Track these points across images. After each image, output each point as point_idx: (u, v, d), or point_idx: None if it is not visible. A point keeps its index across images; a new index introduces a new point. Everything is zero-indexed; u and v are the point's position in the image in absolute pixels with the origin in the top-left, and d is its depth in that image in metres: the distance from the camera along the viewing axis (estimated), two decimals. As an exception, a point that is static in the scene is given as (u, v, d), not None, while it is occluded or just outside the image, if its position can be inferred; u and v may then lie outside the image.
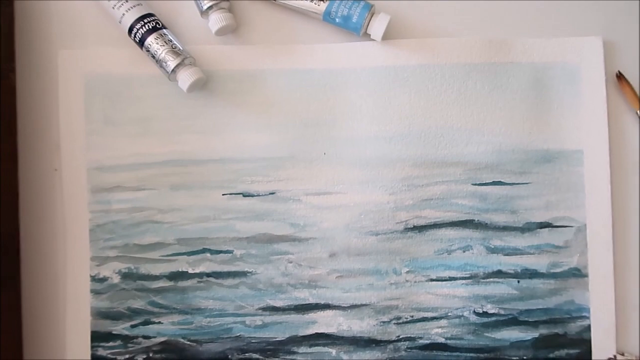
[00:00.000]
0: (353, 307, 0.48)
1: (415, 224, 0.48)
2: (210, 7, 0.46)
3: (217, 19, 0.46)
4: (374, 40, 0.47)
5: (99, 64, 0.48)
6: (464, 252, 0.48)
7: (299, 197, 0.48)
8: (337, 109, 0.48)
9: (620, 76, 0.49)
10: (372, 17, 0.46)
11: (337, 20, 0.47)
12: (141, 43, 0.46)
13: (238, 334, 0.47)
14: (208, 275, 0.48)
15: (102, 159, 0.48)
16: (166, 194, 0.48)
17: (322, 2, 0.46)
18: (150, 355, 0.47)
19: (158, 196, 0.48)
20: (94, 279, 0.48)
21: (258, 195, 0.48)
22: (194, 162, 0.48)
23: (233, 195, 0.48)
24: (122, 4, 0.46)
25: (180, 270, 0.48)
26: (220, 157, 0.48)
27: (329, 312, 0.47)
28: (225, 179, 0.48)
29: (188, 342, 0.47)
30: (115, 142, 0.48)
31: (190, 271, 0.48)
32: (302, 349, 0.48)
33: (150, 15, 0.46)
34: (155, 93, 0.48)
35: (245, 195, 0.48)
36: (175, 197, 0.48)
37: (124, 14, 0.46)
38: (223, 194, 0.48)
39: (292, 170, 0.48)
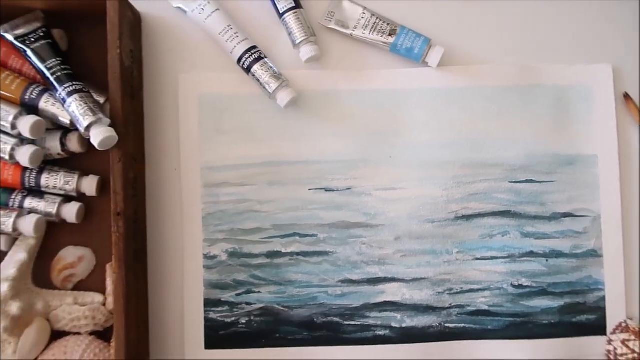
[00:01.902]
0: (414, 280, 0.59)
1: (463, 214, 0.59)
2: (302, 41, 0.58)
3: (307, 51, 0.58)
4: (430, 67, 0.59)
5: (210, 85, 0.60)
6: (502, 236, 0.59)
7: (370, 191, 0.59)
8: (399, 121, 0.60)
9: (626, 96, 0.61)
10: (429, 49, 0.58)
11: (401, 51, 0.59)
12: (248, 69, 0.58)
13: (322, 302, 0.59)
14: (297, 254, 0.59)
15: (213, 161, 0.59)
16: (264, 189, 0.59)
17: (390, 37, 0.58)
18: (252, 318, 0.59)
19: (257, 190, 0.59)
20: (206, 256, 0.59)
21: (337, 190, 0.59)
22: (286, 163, 0.60)
23: (317, 190, 0.59)
24: (234, 39, 0.58)
25: (275, 250, 0.59)
26: (307, 159, 0.60)
27: (394, 284, 0.59)
28: (310, 177, 0.59)
29: (282, 308, 0.59)
30: (223, 147, 0.60)
31: (283, 251, 0.59)
32: (374, 314, 0.59)
33: (254, 47, 0.58)
34: (255, 108, 0.60)
35: (327, 190, 0.60)
36: (271, 191, 0.59)
37: (235, 47, 0.58)
38: (309, 189, 0.59)
39: (364, 170, 0.60)
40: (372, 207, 0.60)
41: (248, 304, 0.59)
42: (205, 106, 0.60)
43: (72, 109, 0.51)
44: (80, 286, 0.58)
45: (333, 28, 0.60)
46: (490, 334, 0.59)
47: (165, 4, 0.60)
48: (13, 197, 0.56)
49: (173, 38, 0.61)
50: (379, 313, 0.59)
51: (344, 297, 0.59)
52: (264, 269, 0.60)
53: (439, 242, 0.60)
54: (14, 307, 0.51)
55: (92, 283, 0.58)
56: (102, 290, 0.58)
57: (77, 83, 0.52)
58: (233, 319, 0.59)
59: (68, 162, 0.58)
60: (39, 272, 0.58)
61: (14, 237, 0.56)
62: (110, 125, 0.52)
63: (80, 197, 0.57)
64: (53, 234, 0.58)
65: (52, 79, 0.52)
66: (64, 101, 0.52)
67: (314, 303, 0.59)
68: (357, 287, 0.59)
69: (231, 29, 0.58)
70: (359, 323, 0.59)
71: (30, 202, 0.56)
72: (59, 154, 0.57)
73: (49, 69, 0.52)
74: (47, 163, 0.56)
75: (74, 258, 0.57)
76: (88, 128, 0.51)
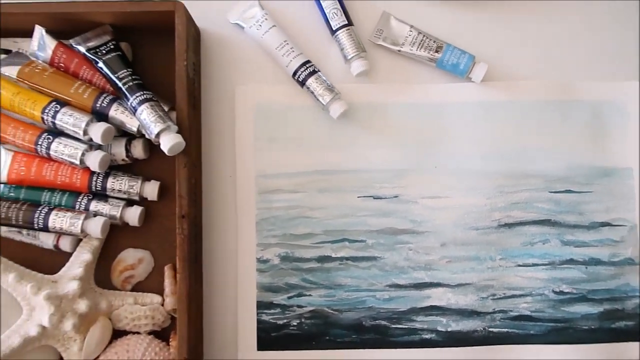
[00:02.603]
0: (459, 285, 0.61)
1: (506, 222, 0.62)
2: (353, 56, 0.61)
3: (358, 65, 0.61)
4: (473, 82, 0.62)
5: (265, 96, 0.63)
6: (543, 244, 0.62)
7: (417, 199, 0.62)
8: (443, 133, 0.63)
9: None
10: (474, 65, 0.61)
11: (447, 66, 0.62)
12: (303, 82, 0.61)
13: (370, 305, 0.61)
14: (347, 259, 0.61)
15: (267, 169, 0.62)
16: (315, 196, 0.62)
17: (437, 53, 0.61)
18: (302, 320, 0.61)
19: (308, 197, 0.62)
20: (259, 260, 0.61)
21: (385, 198, 0.62)
22: (336, 171, 0.62)
23: (366, 197, 0.62)
24: (290, 53, 0.61)
25: (325, 254, 0.61)
26: (356, 168, 0.62)
27: (440, 289, 0.61)
28: (359, 185, 0.62)
29: (331, 311, 0.61)
30: (277, 156, 0.62)
31: (333, 255, 0.61)
32: (420, 318, 0.61)
33: (309, 61, 0.61)
34: (307, 119, 0.63)
35: (375, 197, 0.62)
36: (322, 198, 0.62)
37: (290, 61, 0.61)
38: (358, 196, 0.62)
39: (410, 179, 0.62)
40: (419, 215, 0.62)
41: (299, 306, 0.61)
42: (260, 116, 0.63)
43: (143, 116, 0.54)
44: (138, 287, 0.61)
45: (382, 44, 0.64)
46: (532, 338, 0.61)
47: (223, 20, 0.64)
48: (79, 200, 0.58)
49: (230, 52, 0.64)
50: (425, 317, 0.61)
51: (392, 301, 0.61)
52: (315, 273, 0.62)
53: (483, 248, 0.62)
54: (83, 305, 0.53)
55: (150, 284, 0.60)
56: (159, 292, 0.60)
57: (147, 92, 0.55)
58: (285, 321, 0.61)
59: (128, 168, 0.60)
60: (100, 273, 0.60)
61: (79, 238, 0.59)
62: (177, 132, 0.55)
63: (140, 201, 0.60)
64: (113, 236, 0.60)
65: (123, 88, 0.55)
66: (134, 109, 0.55)
67: (363, 307, 0.61)
68: (404, 291, 0.62)
69: (287, 44, 0.62)
70: (405, 326, 0.61)
71: (95, 205, 0.58)
72: (123, 160, 0.60)
73: (120, 79, 0.56)
74: (112, 168, 0.59)
75: (133, 260, 0.59)
76: (158, 134, 0.54)
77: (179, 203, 0.56)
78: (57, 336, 0.54)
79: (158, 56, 0.61)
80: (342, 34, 0.62)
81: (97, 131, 0.55)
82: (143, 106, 0.54)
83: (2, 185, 0.58)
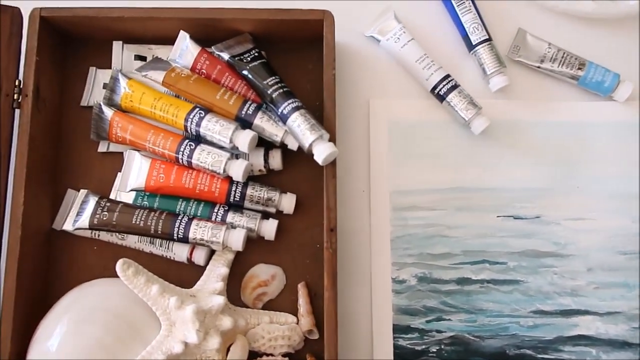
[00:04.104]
0: (608, 313, 0.57)
1: (655, 247, 0.59)
2: (493, 72, 0.60)
3: (499, 81, 0.60)
4: (615, 100, 0.60)
5: (400, 111, 0.61)
6: (695, 272, 0.58)
7: (559, 221, 0.59)
8: (585, 153, 0.61)
9: None
10: (619, 83, 0.60)
11: (590, 84, 0.60)
12: (443, 97, 0.59)
13: (514, 333, 0.57)
14: (488, 281, 0.58)
15: (402, 185, 0.60)
16: (452, 214, 0.59)
17: (580, 70, 0.60)
18: (442, 347, 0.57)
19: (446, 215, 0.59)
20: (394, 280, 0.58)
21: (526, 218, 0.59)
22: (474, 189, 0.60)
23: (506, 217, 0.59)
24: (430, 67, 0.60)
25: (465, 276, 0.58)
26: (495, 186, 0.60)
27: (588, 317, 0.57)
28: (498, 204, 0.59)
29: (472, 337, 0.57)
30: (412, 172, 0.60)
31: (474, 277, 0.58)
32: (567, 348, 0.57)
33: (449, 76, 0.60)
34: (443, 135, 0.61)
35: (516, 217, 0.59)
36: (460, 217, 0.59)
37: (431, 74, 0.59)
38: (497, 216, 0.59)
39: (552, 199, 0.60)
40: (562, 237, 0.59)
41: (438, 331, 0.58)
42: (394, 131, 0.61)
43: (295, 124, 0.52)
44: (269, 306, 0.57)
45: (520, 61, 0.62)
46: (689, 374, 0.57)
47: (356, 32, 0.62)
48: (215, 210, 0.56)
49: (363, 65, 0.63)
50: (573, 347, 0.57)
51: (537, 328, 0.58)
52: (454, 296, 0.58)
53: (632, 275, 0.58)
54: (227, 322, 0.50)
55: (281, 303, 0.57)
56: (290, 311, 0.56)
57: (297, 100, 0.54)
58: (423, 347, 0.57)
59: (259, 180, 0.58)
60: (227, 290, 0.57)
61: (210, 251, 0.56)
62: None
63: (273, 214, 0.57)
64: (241, 251, 0.57)
65: (273, 95, 0.54)
66: (285, 117, 0.53)
67: (506, 334, 0.57)
68: (549, 318, 0.58)
69: (427, 57, 0.60)
70: (552, 357, 0.57)
71: (232, 217, 0.55)
72: (260, 170, 0.58)
73: (269, 87, 0.54)
74: (248, 179, 0.57)
75: (267, 276, 0.56)
76: (312, 144, 0.52)
77: (328, 215, 0.53)
78: (195, 355, 0.50)
79: (289, 65, 0.60)
80: (483, 49, 0.60)
81: (244, 139, 0.53)
82: (295, 114, 0.53)
83: (134, 193, 0.57)
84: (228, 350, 0.52)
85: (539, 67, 0.62)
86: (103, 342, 0.48)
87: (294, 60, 0.61)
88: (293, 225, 0.58)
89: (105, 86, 0.59)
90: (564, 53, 0.62)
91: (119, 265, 0.49)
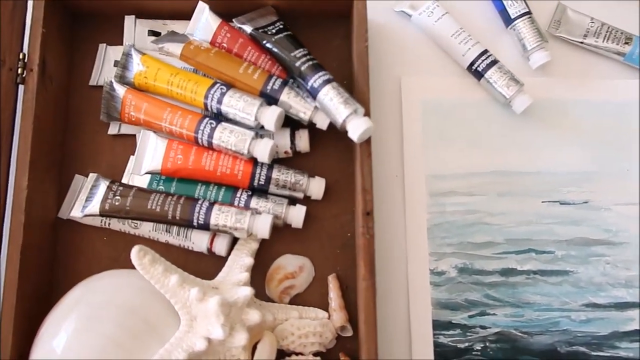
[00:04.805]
0: (667, 306, 0.53)
1: None
2: (534, 47, 0.56)
3: (540, 57, 0.55)
4: (664, 78, 0.57)
5: (434, 89, 0.57)
6: None
7: (609, 206, 0.55)
8: (633, 133, 0.56)
9: None
10: (669, 58, 0.56)
11: (637, 60, 0.56)
12: (481, 74, 0.55)
13: (565, 328, 0.52)
14: (534, 272, 0.53)
15: (438, 168, 0.55)
16: (494, 200, 0.55)
17: (627, 45, 0.56)
18: (487, 344, 0.52)
19: (487, 201, 0.55)
20: (432, 272, 0.53)
21: (573, 204, 0.55)
22: (516, 173, 0.55)
23: (551, 202, 0.55)
24: (467, 41, 0.55)
25: (510, 267, 0.53)
26: (538, 169, 0.55)
27: (645, 311, 0.53)
28: (543, 189, 0.55)
29: (520, 334, 0.52)
30: (448, 155, 0.56)
31: (519, 268, 0.53)
32: (624, 344, 0.52)
33: (487, 51, 0.56)
34: (481, 115, 0.56)
35: (562, 203, 0.55)
36: (502, 203, 0.55)
37: (468, 49, 0.55)
38: (542, 201, 0.55)
39: (600, 183, 0.55)
40: (613, 224, 0.55)
41: (483, 327, 0.53)
42: (428, 111, 0.57)
43: (327, 98, 0.48)
44: (295, 300, 0.52)
45: (561, 36, 0.59)
46: None
47: (385, 8, 0.58)
48: (238, 195, 0.51)
49: (393, 42, 0.58)
50: (630, 343, 0.52)
51: (589, 323, 0.53)
52: (499, 289, 0.53)
53: (690, 264, 0.54)
54: (255, 316, 0.45)
55: (308, 297, 0.52)
56: (320, 306, 0.51)
57: (328, 72, 0.50)
58: (466, 344, 0.52)
59: (283, 163, 0.53)
60: (251, 283, 0.52)
61: (233, 239, 0.52)
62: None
63: (302, 200, 0.52)
64: (264, 239, 0.52)
65: (302, 68, 0.49)
66: (316, 92, 0.48)
67: (556, 329, 0.53)
68: (603, 312, 0.53)
69: (463, 31, 0.57)
70: (608, 354, 0.52)
71: (256, 202, 0.51)
72: (285, 152, 0.53)
73: (296, 59, 0.50)
74: (273, 161, 0.53)
75: (294, 267, 0.51)
76: (346, 119, 0.48)
77: (363, 198, 0.48)
78: (219, 354, 0.45)
79: (315, 42, 0.55)
80: (522, 23, 0.56)
81: (271, 116, 0.49)
82: (327, 87, 0.48)
83: (148, 177, 0.52)
84: (253, 350, 0.47)
85: (581, 42, 0.58)
86: (116, 339, 0.43)
87: (319, 37, 0.56)
88: (321, 213, 0.53)
89: (116, 64, 0.55)
90: (608, 27, 0.58)
91: (135, 252, 0.44)
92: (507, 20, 0.58)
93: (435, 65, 0.58)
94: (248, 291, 0.45)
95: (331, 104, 0.48)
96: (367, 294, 0.46)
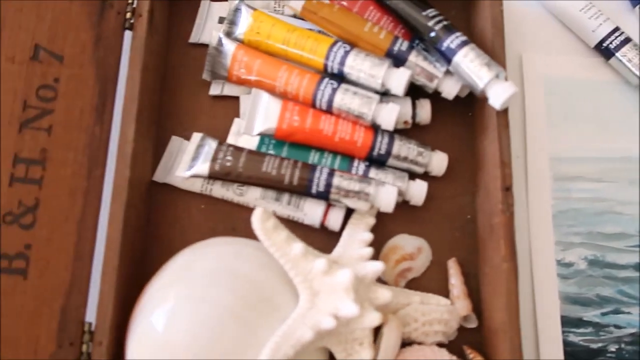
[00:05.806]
0: None
1: None
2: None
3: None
4: None
5: (558, 67, 0.53)
6: None
7: None
8: None
9: None
10: None
11: None
12: (613, 52, 0.51)
13: None
14: (672, 269, 0.49)
15: (563, 151, 0.51)
16: (625, 188, 0.50)
17: None
18: (622, 346, 0.47)
19: (617, 189, 0.50)
20: (559, 263, 0.48)
21: None
22: (649, 160, 0.51)
23: (688, 194, 0.51)
24: (598, 17, 0.52)
25: (644, 262, 0.49)
26: (673, 158, 0.51)
27: None
28: (678, 179, 0.51)
29: (659, 336, 0.47)
30: (574, 137, 0.51)
31: (655, 264, 0.49)
32: None
33: (619, 28, 0.52)
34: (610, 97, 0.52)
35: (699, 196, 0.51)
36: (633, 192, 0.50)
37: (600, 25, 0.52)
38: (677, 193, 0.51)
39: None
40: None
41: (617, 327, 0.47)
42: (551, 90, 0.52)
43: (467, 59, 0.43)
44: (412, 285, 0.47)
45: (693, 19, 0.55)
46: None
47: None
48: (355, 165, 0.47)
49: (511, 16, 0.54)
50: None
51: None
52: (634, 285, 0.48)
53: None
54: (386, 294, 0.40)
55: (425, 282, 0.47)
56: (438, 292, 0.46)
57: (463, 34, 0.46)
58: (600, 344, 0.47)
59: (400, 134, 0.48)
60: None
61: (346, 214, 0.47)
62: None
63: (420, 176, 0.48)
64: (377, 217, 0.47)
65: (436, 28, 0.46)
66: (452, 53, 0.44)
67: (700, 334, 0.48)
68: None
69: (593, 6, 0.53)
70: None
71: (376, 174, 0.46)
72: (405, 122, 0.49)
73: (429, 19, 0.46)
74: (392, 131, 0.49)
75: (412, 248, 0.46)
76: (488, 84, 0.43)
77: (502, 172, 0.43)
78: (339, 334, 0.40)
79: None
80: (656, 1, 0.54)
81: (400, 78, 0.44)
82: (466, 49, 0.44)
83: (257, 140, 0.48)
84: (375, 334, 0.42)
85: None
86: (234, 309, 0.37)
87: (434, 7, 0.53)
88: (439, 192, 0.48)
89: (220, 20, 0.51)
90: None
91: (257, 215, 0.39)
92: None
93: (556, 42, 0.54)
94: (380, 266, 0.40)
95: (471, 66, 0.43)
96: (508, 277, 0.41)
